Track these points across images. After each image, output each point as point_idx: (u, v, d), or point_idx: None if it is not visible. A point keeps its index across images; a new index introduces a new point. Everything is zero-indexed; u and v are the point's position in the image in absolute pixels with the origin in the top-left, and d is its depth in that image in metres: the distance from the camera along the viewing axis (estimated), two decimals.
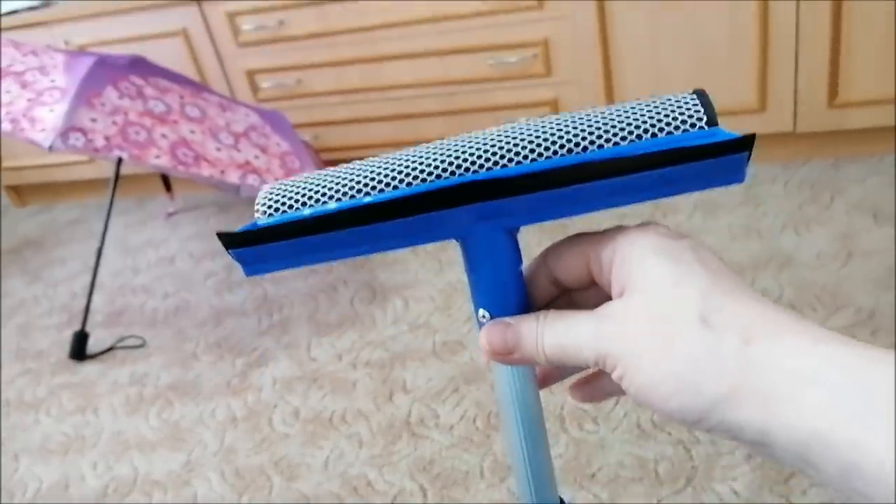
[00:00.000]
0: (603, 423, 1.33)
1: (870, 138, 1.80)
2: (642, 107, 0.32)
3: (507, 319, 0.33)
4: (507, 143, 0.32)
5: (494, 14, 1.83)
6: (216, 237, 0.32)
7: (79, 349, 1.77)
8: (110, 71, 1.52)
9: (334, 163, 2.07)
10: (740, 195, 1.81)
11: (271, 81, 2.13)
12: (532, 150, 0.31)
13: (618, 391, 0.35)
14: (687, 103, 0.32)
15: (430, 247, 1.91)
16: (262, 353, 1.69)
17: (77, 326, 1.80)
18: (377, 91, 2.06)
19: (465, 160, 0.31)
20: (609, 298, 0.32)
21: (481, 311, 0.34)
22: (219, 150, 1.50)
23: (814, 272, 1.53)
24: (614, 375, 0.30)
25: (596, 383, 0.37)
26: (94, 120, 1.40)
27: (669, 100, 0.32)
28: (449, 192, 0.31)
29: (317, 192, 0.32)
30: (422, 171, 0.32)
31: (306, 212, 0.31)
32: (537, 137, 0.32)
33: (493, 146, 0.32)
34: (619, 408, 1.34)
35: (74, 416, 1.62)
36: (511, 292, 0.34)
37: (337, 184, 0.32)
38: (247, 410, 1.53)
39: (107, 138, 1.38)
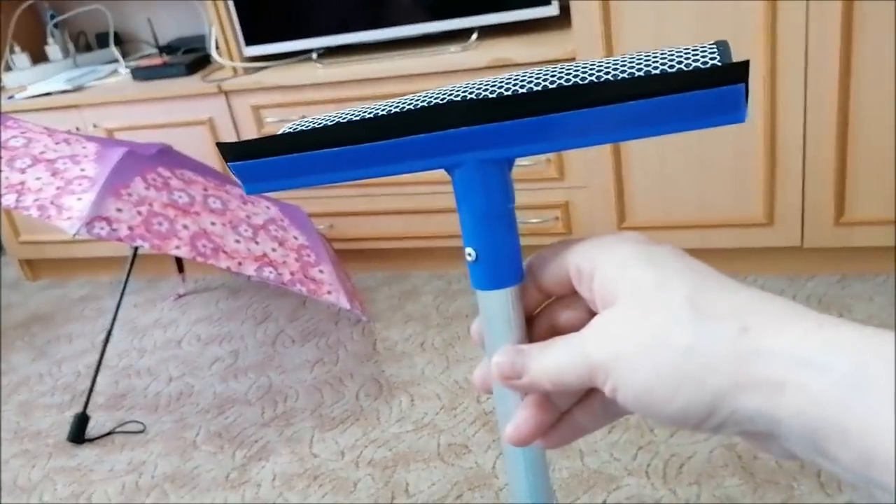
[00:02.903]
0: None
1: (875, 257, 1.83)
2: (656, 52, 0.31)
3: (519, 346, 0.33)
4: (507, 79, 0.31)
5: None
6: (219, 149, 0.33)
7: (78, 432, 1.75)
8: (139, 162, 1.57)
9: (348, 252, 2.09)
10: None
11: None
12: (530, 83, 0.31)
13: (593, 424, 0.34)
14: (704, 49, 0.30)
15: (438, 343, 1.91)
16: (264, 446, 1.66)
17: (79, 407, 1.79)
18: (393, 186, 2.11)
19: (464, 91, 0.31)
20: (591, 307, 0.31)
21: (468, 249, 0.33)
22: (238, 242, 1.53)
23: None
24: (607, 389, 0.29)
25: (567, 421, 0.34)
26: (119, 210, 1.43)
27: (688, 47, 0.31)
28: (434, 113, 0.30)
29: (322, 119, 0.33)
30: (421, 100, 0.31)
31: (301, 128, 0.32)
32: (539, 73, 0.31)
33: (490, 82, 0.31)
34: None
35: (67, 503, 1.59)
36: (500, 231, 0.33)
37: (343, 113, 0.33)
38: None
39: (130, 228, 1.42)
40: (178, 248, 1.44)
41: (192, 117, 2.20)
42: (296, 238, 1.65)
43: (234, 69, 2.19)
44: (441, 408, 1.68)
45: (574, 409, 0.34)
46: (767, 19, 1.61)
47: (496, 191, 0.32)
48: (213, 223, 1.53)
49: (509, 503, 1.41)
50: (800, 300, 1.81)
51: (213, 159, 2.22)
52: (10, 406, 1.97)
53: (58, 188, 1.47)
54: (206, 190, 1.62)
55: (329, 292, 1.57)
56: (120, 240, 1.40)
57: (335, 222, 2.21)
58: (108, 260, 2.50)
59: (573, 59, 1.80)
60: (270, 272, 1.51)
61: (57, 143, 1.61)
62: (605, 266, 0.30)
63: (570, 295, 0.33)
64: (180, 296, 2.36)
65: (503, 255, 0.33)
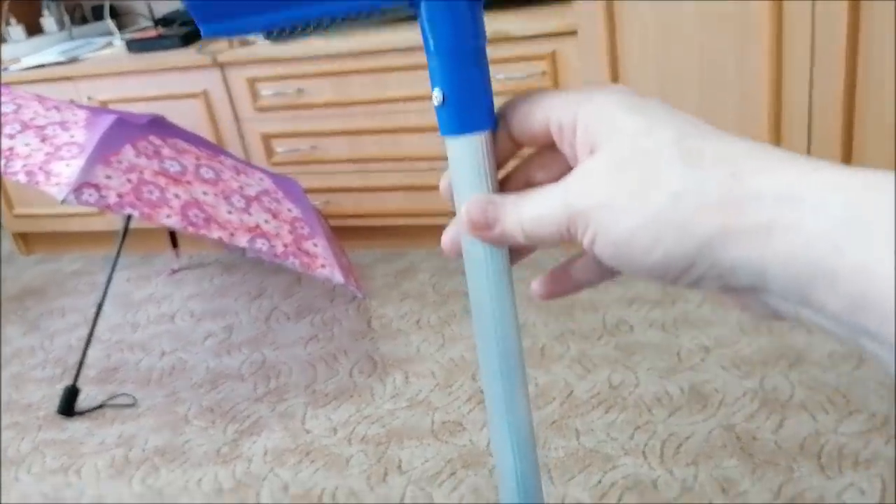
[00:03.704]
0: None
1: None
2: None
3: (491, 195, 0.31)
4: None
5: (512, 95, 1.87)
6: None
7: (68, 405, 1.73)
8: (130, 130, 1.54)
9: (344, 229, 2.05)
10: None
11: (286, 146, 2.15)
12: None
13: (586, 279, 0.33)
14: None
15: (434, 320, 1.89)
16: (256, 422, 1.64)
17: (70, 380, 1.77)
18: (391, 161, 2.08)
19: None
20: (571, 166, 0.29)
21: (435, 92, 0.31)
22: (230, 212, 1.50)
23: (825, 373, 1.50)
24: (585, 240, 0.27)
25: (562, 273, 0.34)
26: (108, 177, 1.40)
27: None
28: None
29: None
30: None
31: None
32: None
33: None
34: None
35: (56, 475, 1.57)
36: (470, 70, 0.31)
37: None
38: (234, 482, 1.48)
39: (120, 195, 1.39)
40: (168, 217, 1.41)
41: (187, 90, 2.16)
42: (290, 210, 1.62)
43: (230, 42, 2.15)
44: (436, 385, 1.65)
45: (571, 262, 0.34)
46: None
47: (465, 25, 0.30)
48: (205, 193, 1.50)
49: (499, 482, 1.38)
50: None
51: (207, 133, 2.18)
52: (1, 379, 1.94)
53: (47, 154, 1.44)
54: (198, 160, 1.59)
55: (323, 266, 1.54)
56: (109, 207, 1.37)
57: (331, 198, 2.17)
58: (102, 234, 2.47)
59: (574, 33, 1.76)
60: (263, 244, 1.48)
61: (47, 110, 1.58)
62: (587, 116, 0.28)
63: (548, 152, 0.32)
64: (174, 271, 2.34)
65: (473, 97, 0.31)
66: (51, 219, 2.50)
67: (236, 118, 2.16)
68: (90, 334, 1.75)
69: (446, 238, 0.34)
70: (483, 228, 0.31)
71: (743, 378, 1.52)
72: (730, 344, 1.62)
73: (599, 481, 1.34)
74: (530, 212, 0.29)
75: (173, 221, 1.41)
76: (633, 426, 1.45)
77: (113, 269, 1.79)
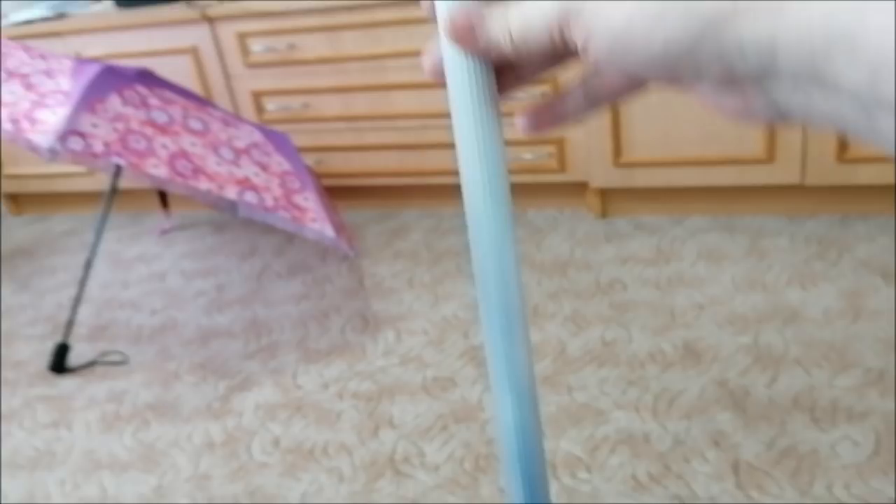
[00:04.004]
0: (596, 472, 1.27)
1: (879, 196, 1.77)
2: None
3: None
4: None
5: None
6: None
7: (58, 361, 1.72)
8: (116, 79, 1.50)
9: (337, 189, 2.03)
10: (746, 247, 1.78)
11: (277, 103, 2.12)
12: None
13: (577, 108, 0.31)
14: None
15: (426, 279, 1.87)
16: (247, 377, 1.63)
17: (61, 338, 1.75)
18: (384, 119, 2.05)
19: None
20: None
21: None
22: (219, 164, 1.48)
23: (821, 329, 1.49)
24: (579, 38, 0.25)
25: (548, 106, 0.32)
26: (95, 125, 1.37)
27: None
28: None
29: None
30: None
31: None
32: None
33: None
34: (615, 457, 1.29)
35: (47, 430, 1.56)
36: None
37: None
38: (225, 436, 1.47)
39: (106, 144, 1.36)
40: (156, 167, 1.38)
41: (176, 45, 2.12)
42: (280, 164, 1.59)
43: None
44: (428, 342, 1.64)
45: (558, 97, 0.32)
46: None
47: None
48: (193, 144, 1.47)
49: (495, 437, 1.39)
50: (799, 240, 1.77)
51: (197, 90, 2.14)
52: None
53: (32, 102, 1.41)
54: (186, 110, 1.56)
55: (314, 220, 1.52)
56: (95, 155, 1.34)
57: (324, 157, 2.14)
58: (92, 195, 2.44)
59: None
60: (252, 196, 1.46)
61: (33, 59, 1.54)
62: None
63: None
64: (165, 231, 2.31)
65: None
66: (41, 179, 2.47)
67: (226, 74, 2.12)
68: (79, 292, 1.73)
69: (428, 59, 0.31)
70: (467, 34, 0.28)
71: (737, 335, 1.51)
72: (724, 302, 1.61)
73: (591, 435, 1.34)
74: (519, 13, 0.27)
75: (161, 172, 1.38)
76: (625, 382, 1.45)
77: (101, 226, 1.76)
